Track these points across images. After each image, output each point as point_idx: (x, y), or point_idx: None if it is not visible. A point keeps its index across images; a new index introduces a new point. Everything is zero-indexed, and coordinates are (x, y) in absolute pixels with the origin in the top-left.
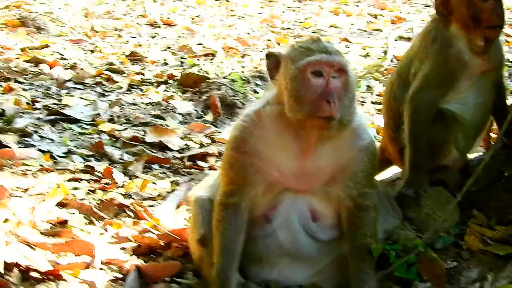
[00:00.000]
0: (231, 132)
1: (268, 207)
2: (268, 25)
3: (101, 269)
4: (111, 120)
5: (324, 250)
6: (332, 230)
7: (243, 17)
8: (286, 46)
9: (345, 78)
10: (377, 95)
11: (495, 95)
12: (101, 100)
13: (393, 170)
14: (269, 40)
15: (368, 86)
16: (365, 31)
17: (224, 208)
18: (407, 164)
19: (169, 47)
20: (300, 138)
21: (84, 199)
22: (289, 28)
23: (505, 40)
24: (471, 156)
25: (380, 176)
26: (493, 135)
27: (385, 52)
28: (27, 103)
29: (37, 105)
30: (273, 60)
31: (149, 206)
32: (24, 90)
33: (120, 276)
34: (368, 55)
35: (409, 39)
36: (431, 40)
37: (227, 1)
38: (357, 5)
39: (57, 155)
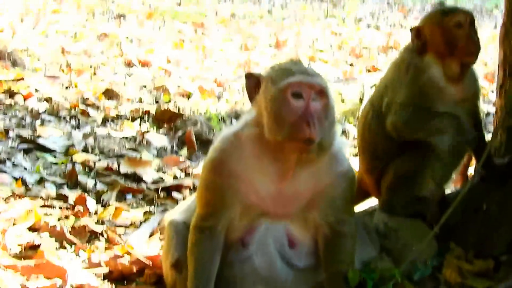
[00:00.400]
0: (209, 154)
1: (244, 231)
2: (245, 69)
3: None
4: (85, 151)
5: (300, 278)
6: (309, 257)
7: (219, 60)
8: (266, 68)
9: (325, 101)
10: (353, 138)
11: (472, 126)
12: (76, 132)
13: (371, 202)
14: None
15: (344, 131)
16: (341, 78)
17: (200, 231)
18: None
19: (144, 86)
20: (278, 161)
21: (56, 225)
22: None
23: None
24: (448, 189)
25: (358, 207)
26: (470, 169)
27: (361, 99)
28: (0, 132)
29: (11, 134)
30: (253, 81)
31: (122, 233)
32: None
33: None
34: (344, 101)
35: None
36: (405, 68)
37: (204, 45)
38: (333, 54)
39: (29, 182)
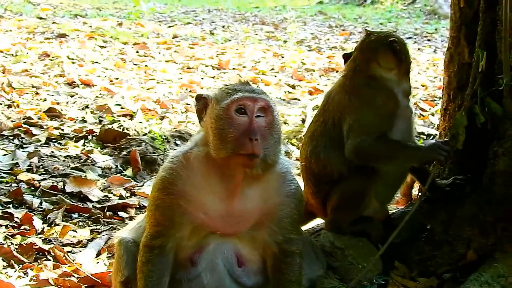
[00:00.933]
0: (158, 174)
1: (193, 250)
2: (187, 89)
3: None
4: (29, 170)
5: None
6: (257, 275)
7: (162, 81)
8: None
9: (270, 118)
10: (294, 159)
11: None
12: (20, 151)
13: (317, 222)
14: (188, 104)
15: (287, 151)
16: (283, 99)
17: (150, 250)
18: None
19: (87, 106)
20: (226, 180)
21: (3, 243)
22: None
23: (420, 114)
24: (391, 208)
25: (304, 227)
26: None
27: (303, 120)
28: None
29: None
30: (202, 102)
31: (69, 252)
32: None
33: None
34: (287, 123)
35: None
36: (363, 89)
37: (146, 66)
38: (275, 76)
39: None
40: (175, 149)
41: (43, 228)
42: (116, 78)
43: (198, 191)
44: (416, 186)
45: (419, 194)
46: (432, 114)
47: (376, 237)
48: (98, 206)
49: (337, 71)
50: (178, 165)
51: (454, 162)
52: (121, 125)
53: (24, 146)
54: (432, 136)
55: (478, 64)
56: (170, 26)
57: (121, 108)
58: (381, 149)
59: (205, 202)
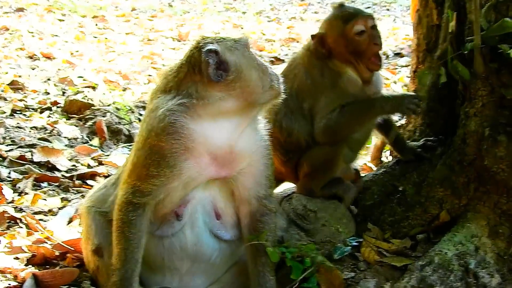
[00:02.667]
0: (159, 119)
1: (180, 203)
2: (148, 61)
3: None
4: None
5: (226, 252)
6: (233, 229)
7: (122, 53)
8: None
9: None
10: None
11: None
12: None
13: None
14: (150, 75)
15: None
16: None
17: (133, 209)
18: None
19: (49, 79)
20: (234, 120)
21: None
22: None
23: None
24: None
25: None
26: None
27: None
28: None
29: None
30: (214, 57)
31: (40, 220)
32: None
33: (15, 284)
34: None
35: None
36: (319, 75)
37: (106, 39)
38: None
39: None
40: (141, 119)
41: (13, 197)
42: (77, 51)
43: (205, 132)
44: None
45: (391, 156)
46: (395, 82)
47: (348, 199)
48: (67, 175)
49: (297, 41)
50: (183, 111)
51: (425, 124)
52: (86, 96)
53: None
54: None
55: (447, 25)
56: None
57: (83, 80)
58: (349, 119)
59: (211, 140)
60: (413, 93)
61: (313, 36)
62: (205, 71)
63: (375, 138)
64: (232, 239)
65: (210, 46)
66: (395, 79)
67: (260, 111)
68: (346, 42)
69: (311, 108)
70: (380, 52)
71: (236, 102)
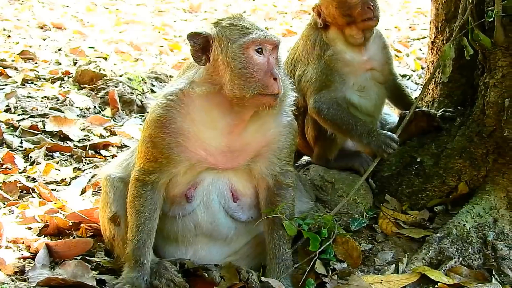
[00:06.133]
0: (153, 111)
1: (188, 186)
2: (159, 32)
3: (8, 247)
4: (7, 111)
5: (242, 231)
6: (251, 210)
7: (134, 24)
8: (209, 25)
9: (277, 55)
10: None
11: (390, 92)
12: None
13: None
14: (161, 46)
15: None
16: None
17: (142, 185)
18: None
19: (60, 49)
20: (231, 116)
21: None
22: (180, 36)
23: (396, 55)
24: None
25: None
26: None
27: None
28: None
29: None
30: (199, 41)
31: (53, 190)
32: None
33: (28, 254)
34: None
35: None
36: (311, 45)
37: (117, 10)
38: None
39: None
40: (153, 90)
41: (26, 167)
42: (88, 22)
43: (198, 128)
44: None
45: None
46: (407, 55)
47: (366, 173)
48: (79, 145)
49: (309, 14)
50: (176, 102)
51: (444, 95)
52: (98, 66)
53: (0, 87)
54: (407, 77)
55: None
56: None
57: (95, 50)
58: (332, 121)
59: (205, 139)
60: (394, 136)
61: (313, 8)
62: (190, 52)
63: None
64: (250, 220)
65: (199, 30)
66: (408, 51)
67: (261, 111)
68: (338, 4)
69: (300, 76)
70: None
71: (218, 96)
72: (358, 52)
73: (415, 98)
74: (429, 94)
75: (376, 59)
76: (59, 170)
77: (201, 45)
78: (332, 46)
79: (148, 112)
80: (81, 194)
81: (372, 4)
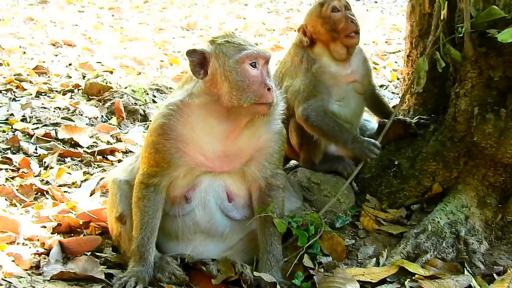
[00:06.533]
0: (155, 120)
1: (187, 188)
2: (160, 48)
3: (24, 244)
4: (24, 120)
5: (237, 228)
6: (244, 209)
7: (136, 41)
8: (206, 42)
9: (267, 67)
10: None
11: (370, 102)
12: (14, 103)
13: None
14: (162, 60)
15: None
16: None
17: (146, 187)
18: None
19: (70, 64)
20: (227, 123)
21: (4, 184)
22: (179, 51)
23: (374, 68)
24: None
25: None
26: None
27: None
28: None
29: None
30: (197, 57)
31: (65, 192)
32: None
33: (43, 250)
34: None
35: None
36: (299, 61)
37: (121, 28)
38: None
39: None
40: (155, 101)
41: (40, 171)
42: (95, 39)
43: (197, 135)
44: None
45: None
46: (384, 67)
47: (349, 175)
48: (89, 151)
49: (294, 31)
50: (177, 111)
51: (418, 104)
52: (104, 80)
53: (17, 99)
54: (385, 87)
55: (439, 13)
56: None
57: (102, 65)
58: (318, 127)
59: (203, 145)
60: (376, 142)
61: (298, 29)
62: (189, 67)
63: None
64: (244, 218)
65: (197, 47)
66: (385, 64)
67: (257, 118)
68: (323, 21)
69: (288, 86)
70: (355, 30)
71: (215, 106)
72: (342, 66)
73: (393, 106)
74: (405, 103)
75: (358, 72)
76: (70, 174)
77: (199, 61)
78: (318, 60)
79: (151, 121)
80: (90, 196)
81: (354, 18)
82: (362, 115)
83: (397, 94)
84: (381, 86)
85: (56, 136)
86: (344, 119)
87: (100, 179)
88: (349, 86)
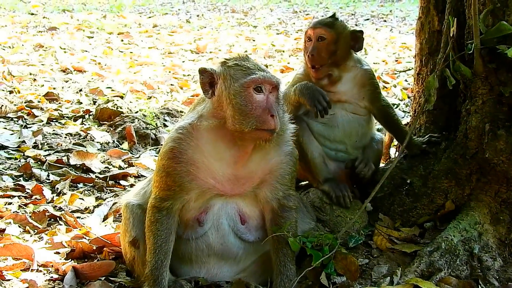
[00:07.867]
0: (166, 143)
1: (199, 211)
2: (170, 72)
3: (39, 270)
4: (35, 147)
5: (250, 250)
6: (258, 231)
7: (146, 66)
8: (218, 63)
9: (277, 93)
10: None
11: (381, 119)
12: (25, 130)
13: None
14: (172, 84)
15: None
16: None
17: (158, 211)
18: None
19: (81, 90)
20: (235, 148)
21: (17, 211)
22: (189, 75)
23: (384, 87)
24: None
25: None
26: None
27: None
28: None
29: None
30: (207, 76)
31: (78, 217)
32: None
33: (57, 276)
34: None
35: None
36: (294, 81)
37: (131, 53)
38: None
39: None
40: (166, 124)
41: (53, 197)
42: (105, 64)
43: (207, 159)
44: (394, 145)
45: (397, 152)
46: (394, 86)
47: (337, 198)
48: (101, 176)
49: None
50: (187, 135)
51: (429, 121)
52: (115, 105)
53: (28, 126)
54: (395, 105)
55: (448, 31)
56: (149, 17)
57: (112, 90)
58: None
59: (214, 168)
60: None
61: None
62: (200, 85)
63: (383, 136)
64: (257, 240)
65: (208, 67)
66: (395, 83)
67: (265, 143)
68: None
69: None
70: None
71: (223, 130)
72: (330, 86)
73: (405, 124)
74: (417, 121)
75: (348, 95)
76: (83, 199)
77: (209, 80)
78: (309, 79)
79: (162, 145)
80: (103, 221)
81: (315, 54)
82: (361, 134)
83: (408, 112)
84: (393, 104)
85: (68, 162)
86: (333, 139)
87: (113, 204)
88: (336, 105)
